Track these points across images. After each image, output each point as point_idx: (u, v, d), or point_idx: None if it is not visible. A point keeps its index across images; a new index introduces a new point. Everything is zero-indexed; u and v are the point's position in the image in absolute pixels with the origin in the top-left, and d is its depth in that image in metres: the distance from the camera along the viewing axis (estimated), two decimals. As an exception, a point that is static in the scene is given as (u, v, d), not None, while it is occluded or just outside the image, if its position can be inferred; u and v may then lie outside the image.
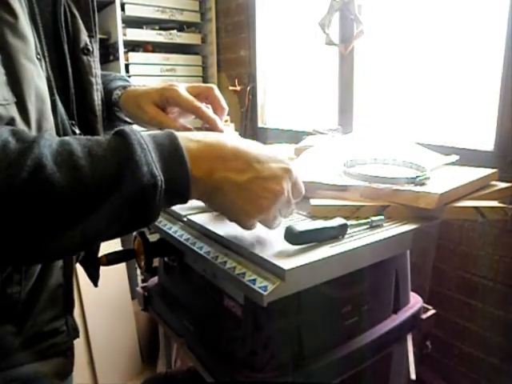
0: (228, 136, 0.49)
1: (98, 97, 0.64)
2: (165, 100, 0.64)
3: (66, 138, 0.39)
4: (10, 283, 0.52)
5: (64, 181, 0.35)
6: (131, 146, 0.39)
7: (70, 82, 0.59)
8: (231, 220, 0.50)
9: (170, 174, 0.41)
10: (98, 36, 0.65)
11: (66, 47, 0.58)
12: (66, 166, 0.36)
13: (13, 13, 0.47)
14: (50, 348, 0.61)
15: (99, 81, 0.65)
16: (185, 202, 0.44)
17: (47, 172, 0.35)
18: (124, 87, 0.71)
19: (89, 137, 0.40)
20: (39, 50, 0.52)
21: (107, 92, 0.71)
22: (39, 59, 0.51)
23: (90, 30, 0.62)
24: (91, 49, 0.62)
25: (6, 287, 0.52)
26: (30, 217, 0.36)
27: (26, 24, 0.49)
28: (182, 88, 0.64)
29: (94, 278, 0.74)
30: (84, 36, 0.61)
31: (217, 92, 0.66)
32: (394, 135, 1.34)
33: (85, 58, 0.61)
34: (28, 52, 0.49)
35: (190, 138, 0.45)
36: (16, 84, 0.47)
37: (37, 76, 0.50)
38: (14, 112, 0.46)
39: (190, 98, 0.63)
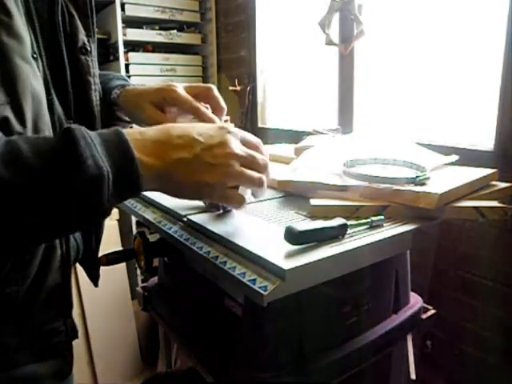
0: (171, 124, 0.51)
1: (96, 97, 0.64)
2: (163, 100, 0.64)
3: (14, 137, 0.40)
4: (8, 283, 0.52)
5: (11, 176, 0.37)
6: (76, 140, 0.40)
7: (67, 81, 0.59)
8: (196, 198, 0.52)
9: (118, 166, 0.42)
10: (96, 36, 0.65)
11: (63, 47, 0.58)
12: (15, 165, 0.38)
13: (7, 12, 0.46)
14: (48, 349, 0.60)
15: (97, 81, 0.64)
16: (138, 193, 0.45)
17: None
18: (123, 86, 0.71)
19: (39, 136, 0.42)
20: (36, 49, 0.52)
21: (106, 91, 0.71)
22: (35, 59, 0.51)
23: (88, 29, 0.62)
24: (89, 48, 0.62)
25: (5, 287, 0.52)
26: None
27: (21, 23, 0.49)
28: (180, 88, 0.64)
29: (94, 278, 0.74)
30: (82, 36, 0.61)
31: (215, 92, 0.67)
32: (393, 135, 1.34)
33: (83, 57, 0.61)
34: (23, 52, 0.48)
35: (135, 132, 0.47)
36: (11, 84, 0.46)
37: (32, 76, 0.50)
38: (7, 112, 0.46)
39: (189, 97, 0.64)
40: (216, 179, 0.48)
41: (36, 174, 0.39)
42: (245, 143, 0.52)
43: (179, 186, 0.48)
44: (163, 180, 0.47)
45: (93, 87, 0.63)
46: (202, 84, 0.68)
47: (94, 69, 0.63)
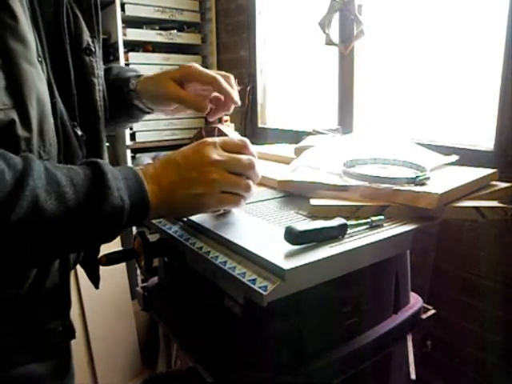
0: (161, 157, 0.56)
1: (100, 97, 0.64)
2: (184, 77, 0.69)
3: (50, 166, 0.45)
4: (8, 284, 0.52)
5: (54, 207, 0.42)
6: (105, 173, 0.46)
7: (71, 83, 0.59)
8: (198, 211, 0.57)
9: (134, 200, 0.48)
10: (101, 36, 0.65)
11: (68, 49, 0.58)
12: (56, 195, 0.42)
13: (13, 16, 0.46)
14: (46, 349, 0.60)
15: (101, 81, 0.64)
16: (141, 223, 0.52)
17: (41, 201, 0.41)
18: (138, 76, 0.76)
19: (67, 166, 0.47)
20: (40, 52, 0.52)
21: (123, 80, 0.75)
22: (40, 62, 0.51)
23: (92, 30, 0.62)
24: (93, 49, 0.62)
25: (4, 289, 0.52)
26: (29, 239, 0.42)
27: (27, 27, 0.49)
28: (197, 65, 0.69)
29: (95, 280, 0.74)
30: (86, 36, 0.61)
31: (232, 81, 0.72)
32: (393, 135, 1.34)
33: (87, 58, 0.61)
34: (29, 55, 0.48)
35: (145, 170, 0.53)
36: (16, 88, 0.47)
37: (37, 79, 0.50)
38: (13, 115, 0.46)
39: (208, 71, 0.68)
40: (204, 189, 0.52)
41: (73, 206, 0.43)
42: (227, 148, 0.54)
43: (178, 204, 0.53)
44: (165, 203, 0.52)
45: (97, 88, 0.63)
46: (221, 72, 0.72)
47: (98, 69, 0.63)
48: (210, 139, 0.55)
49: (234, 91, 0.69)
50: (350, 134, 1.05)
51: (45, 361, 0.60)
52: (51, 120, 0.52)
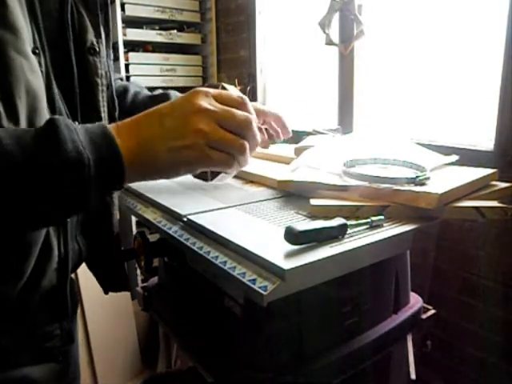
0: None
1: (103, 97, 0.63)
2: None
3: None
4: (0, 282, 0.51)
5: None
6: (57, 125, 0.41)
7: (74, 81, 0.59)
8: (178, 169, 0.48)
9: (101, 155, 0.42)
10: (111, 37, 0.65)
11: (71, 46, 0.58)
12: None
13: (2, 2, 0.45)
14: (42, 352, 0.59)
15: (105, 81, 0.64)
16: (118, 186, 0.45)
17: None
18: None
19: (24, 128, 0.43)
20: (38, 44, 0.51)
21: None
22: (37, 54, 0.50)
23: (97, 29, 0.61)
24: (97, 49, 0.61)
25: None
26: None
27: (20, 15, 0.48)
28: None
29: (105, 285, 0.73)
30: (91, 36, 0.60)
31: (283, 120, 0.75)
32: (393, 135, 1.34)
33: (91, 58, 0.60)
34: (18, 45, 0.47)
35: (114, 124, 0.46)
36: (2, 78, 0.45)
37: (28, 70, 0.48)
38: None
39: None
40: (189, 140, 0.45)
41: (16, 158, 0.39)
42: (221, 100, 0.47)
43: (159, 161, 0.46)
44: (144, 161, 0.45)
45: (100, 88, 0.62)
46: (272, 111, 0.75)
47: (102, 69, 0.63)
48: (203, 88, 0.48)
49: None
50: (350, 134, 1.05)
51: (41, 364, 0.59)
52: (45, 114, 0.51)
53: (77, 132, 0.42)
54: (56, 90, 0.55)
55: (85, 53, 0.60)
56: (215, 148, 0.46)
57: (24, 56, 0.48)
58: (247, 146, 0.48)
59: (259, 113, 0.77)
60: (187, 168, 0.48)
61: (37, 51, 0.50)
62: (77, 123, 0.44)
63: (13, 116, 0.46)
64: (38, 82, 0.50)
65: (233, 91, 0.56)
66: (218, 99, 0.47)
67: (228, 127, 0.46)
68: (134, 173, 0.45)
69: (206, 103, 0.46)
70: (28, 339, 0.57)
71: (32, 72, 0.49)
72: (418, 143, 0.91)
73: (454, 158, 0.84)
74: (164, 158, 0.45)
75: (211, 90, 0.47)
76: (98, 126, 0.44)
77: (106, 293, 0.73)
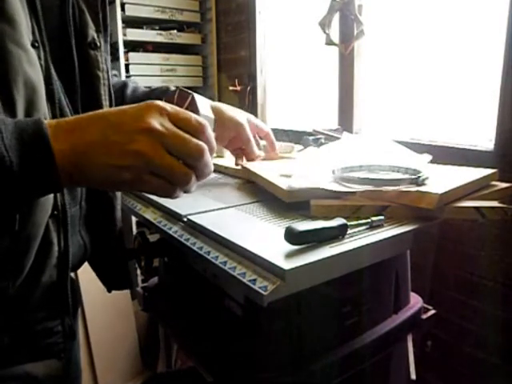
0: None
1: (104, 91, 0.64)
2: None
3: None
4: None
5: None
6: None
7: (76, 75, 0.59)
8: (114, 186, 0.45)
9: (26, 156, 0.38)
10: (109, 32, 0.65)
11: (73, 40, 0.58)
12: None
13: None
14: (43, 349, 0.59)
15: (106, 75, 0.64)
16: (51, 190, 0.42)
17: None
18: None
19: None
20: (38, 37, 0.51)
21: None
22: (37, 47, 0.50)
23: (97, 25, 0.62)
24: (98, 44, 0.62)
25: None
26: None
27: (18, 7, 0.48)
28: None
29: (108, 283, 0.73)
30: (91, 31, 0.61)
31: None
32: (374, 136, 1.33)
33: (92, 52, 0.61)
34: (15, 36, 0.47)
35: (53, 121, 0.43)
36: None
37: (26, 63, 0.48)
38: None
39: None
40: (127, 161, 0.40)
41: None
42: (177, 122, 0.43)
43: (93, 173, 0.42)
44: (78, 169, 0.41)
45: (102, 82, 0.63)
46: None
47: (104, 64, 0.63)
48: (160, 102, 0.43)
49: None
50: (334, 142, 1.03)
51: (41, 361, 0.59)
52: (43, 107, 0.51)
53: (2, 132, 0.38)
54: (58, 83, 0.55)
55: (86, 47, 0.61)
56: (156, 174, 0.42)
57: (22, 48, 0.48)
58: (193, 176, 0.43)
59: (252, 126, 0.84)
60: (122, 188, 0.45)
61: (36, 44, 0.51)
62: (10, 120, 0.41)
63: (9, 108, 0.46)
64: (37, 75, 0.50)
65: (202, 107, 0.52)
66: (174, 119, 0.42)
67: (176, 153, 0.42)
68: (67, 179, 0.41)
69: (156, 122, 0.41)
70: (29, 335, 0.57)
71: (30, 65, 0.49)
72: (418, 143, 0.91)
73: (428, 157, 0.83)
74: (97, 171, 0.41)
75: (168, 107, 0.43)
76: (34, 123, 0.40)
77: (109, 291, 0.73)
